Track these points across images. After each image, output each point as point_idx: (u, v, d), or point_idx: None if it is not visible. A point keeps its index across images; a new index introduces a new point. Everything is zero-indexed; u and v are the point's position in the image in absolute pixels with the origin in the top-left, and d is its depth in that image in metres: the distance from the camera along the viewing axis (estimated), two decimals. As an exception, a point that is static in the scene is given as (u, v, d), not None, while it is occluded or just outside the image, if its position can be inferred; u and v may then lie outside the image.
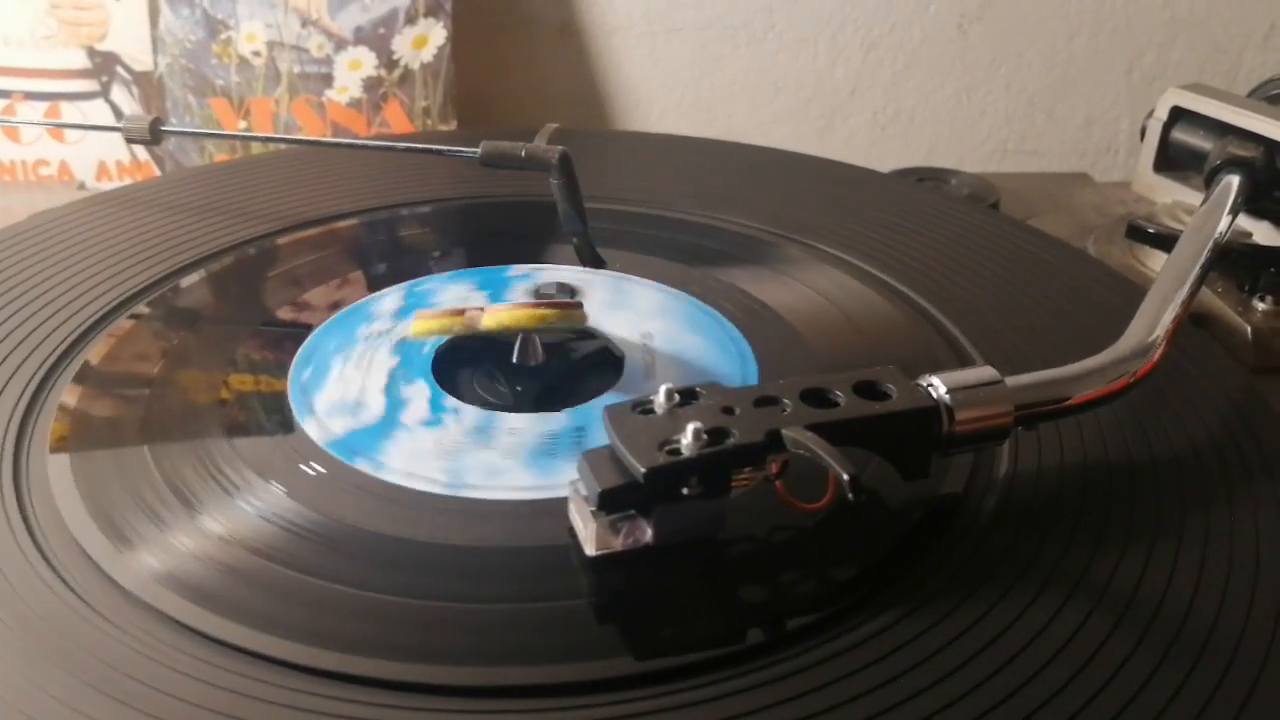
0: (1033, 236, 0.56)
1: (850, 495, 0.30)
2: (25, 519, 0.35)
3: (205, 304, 0.49)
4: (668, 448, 0.32)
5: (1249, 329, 0.52)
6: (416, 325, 0.43)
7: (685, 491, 0.32)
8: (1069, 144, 0.85)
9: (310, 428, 0.40)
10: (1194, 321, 0.50)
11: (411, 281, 0.50)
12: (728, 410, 0.33)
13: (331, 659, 0.30)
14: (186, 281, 0.50)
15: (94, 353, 0.44)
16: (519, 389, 0.43)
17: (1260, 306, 0.53)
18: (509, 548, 0.35)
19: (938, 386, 0.34)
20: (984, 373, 0.35)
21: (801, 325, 0.47)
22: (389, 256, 0.54)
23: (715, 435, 0.32)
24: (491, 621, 0.32)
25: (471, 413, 0.41)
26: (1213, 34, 0.82)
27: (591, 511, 0.32)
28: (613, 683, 0.30)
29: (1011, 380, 0.35)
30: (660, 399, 0.33)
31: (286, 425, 0.40)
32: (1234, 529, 0.35)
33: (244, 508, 0.36)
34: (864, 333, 0.47)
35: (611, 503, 0.32)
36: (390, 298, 0.49)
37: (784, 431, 0.32)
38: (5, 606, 0.32)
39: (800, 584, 0.33)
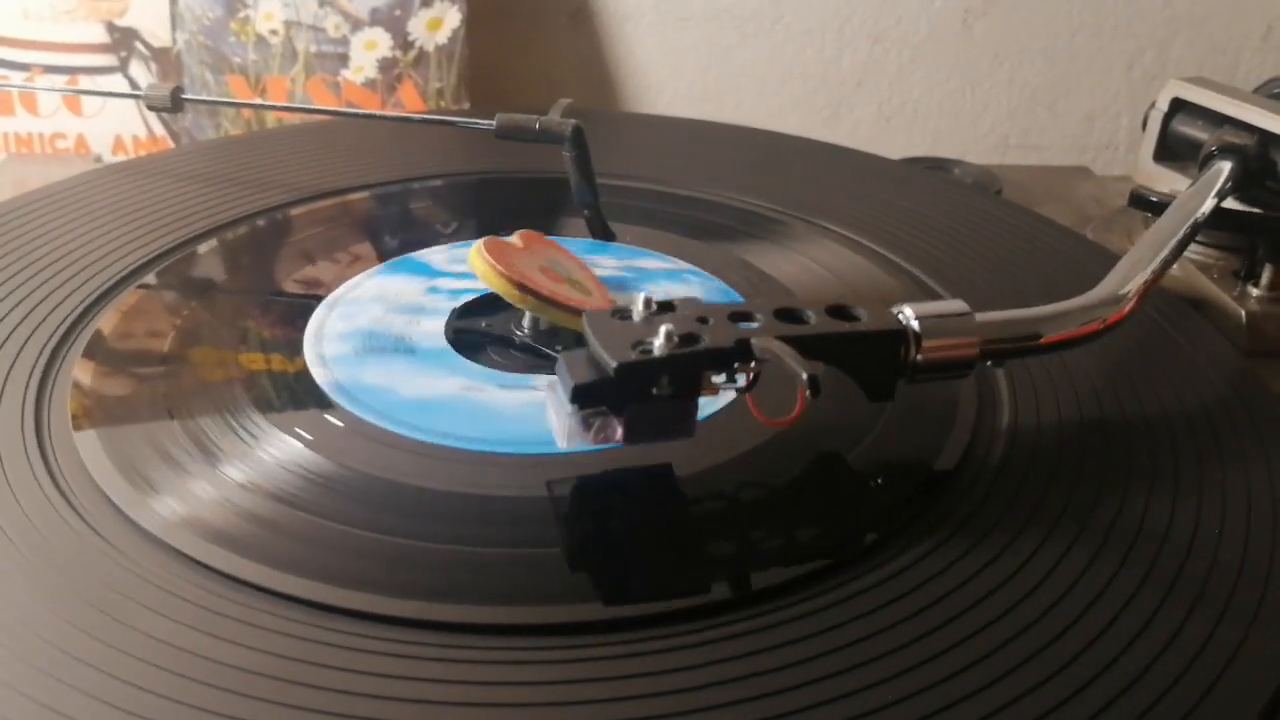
0: (1034, 220, 0.57)
1: (810, 394, 0.31)
2: (49, 468, 0.37)
3: (219, 273, 0.50)
4: (640, 348, 0.33)
5: (1243, 313, 0.53)
6: (478, 263, 0.43)
7: (655, 391, 0.33)
8: (1070, 139, 0.87)
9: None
10: (1191, 305, 0.52)
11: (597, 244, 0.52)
12: (702, 320, 0.34)
13: (336, 595, 0.31)
14: (201, 249, 0.51)
15: (116, 306, 0.45)
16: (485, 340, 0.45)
17: (1254, 292, 0.54)
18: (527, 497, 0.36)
19: (908, 314, 0.36)
20: (955, 304, 0.37)
21: (805, 296, 0.48)
22: (410, 229, 0.55)
23: (687, 339, 0.33)
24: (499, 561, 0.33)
25: (426, 332, 0.44)
26: (1211, 33, 0.84)
27: (565, 407, 0.33)
28: (627, 622, 0.31)
29: (981, 315, 0.37)
30: (638, 306, 0.34)
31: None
32: (1225, 480, 0.37)
33: (261, 457, 0.37)
34: (866, 303, 0.48)
35: (584, 397, 0.33)
36: (579, 247, 0.51)
37: (753, 340, 0.33)
38: (35, 551, 0.33)
39: (815, 532, 0.35)
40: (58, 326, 0.44)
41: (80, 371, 0.41)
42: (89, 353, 0.42)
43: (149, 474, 0.36)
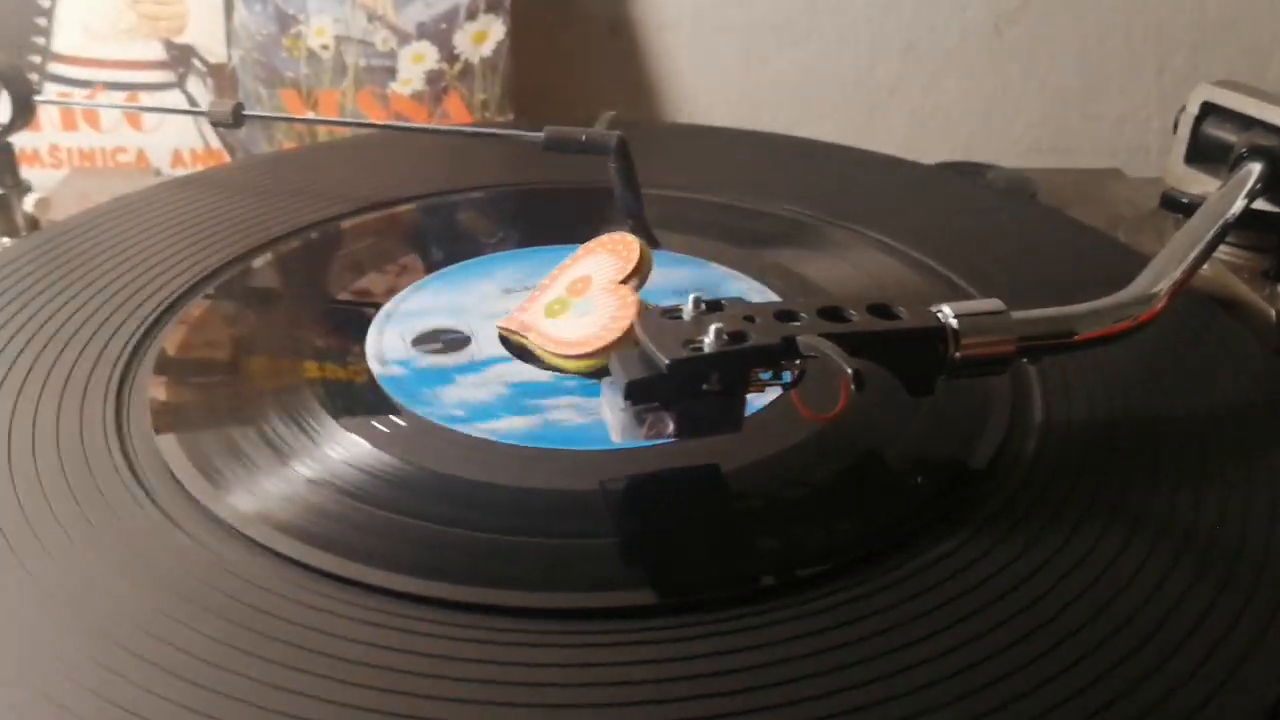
0: (1067, 224, 0.59)
1: (855, 389, 0.33)
2: (130, 465, 0.39)
3: (281, 283, 0.52)
4: (691, 345, 0.34)
5: (1273, 313, 0.54)
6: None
7: (705, 387, 0.34)
8: (1101, 142, 0.88)
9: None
10: (1222, 306, 0.53)
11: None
12: (749, 319, 0.36)
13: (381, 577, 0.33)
14: (260, 261, 0.53)
15: (185, 315, 0.47)
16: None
17: (1285, 292, 0.55)
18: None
19: (947, 312, 0.37)
20: (991, 303, 0.38)
21: (844, 300, 0.50)
22: (461, 239, 0.57)
23: (735, 337, 0.35)
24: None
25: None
26: (1241, 36, 0.84)
27: (620, 403, 0.35)
28: (676, 607, 0.33)
29: (1017, 313, 0.38)
30: (688, 307, 0.36)
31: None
32: (1251, 477, 0.38)
33: (330, 454, 0.39)
34: (904, 304, 0.49)
35: (637, 394, 0.34)
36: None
37: (798, 337, 0.35)
38: (119, 542, 0.35)
39: (853, 525, 0.36)
40: (133, 333, 0.46)
41: (155, 378, 0.43)
42: (161, 360, 0.44)
43: (225, 472, 0.38)
